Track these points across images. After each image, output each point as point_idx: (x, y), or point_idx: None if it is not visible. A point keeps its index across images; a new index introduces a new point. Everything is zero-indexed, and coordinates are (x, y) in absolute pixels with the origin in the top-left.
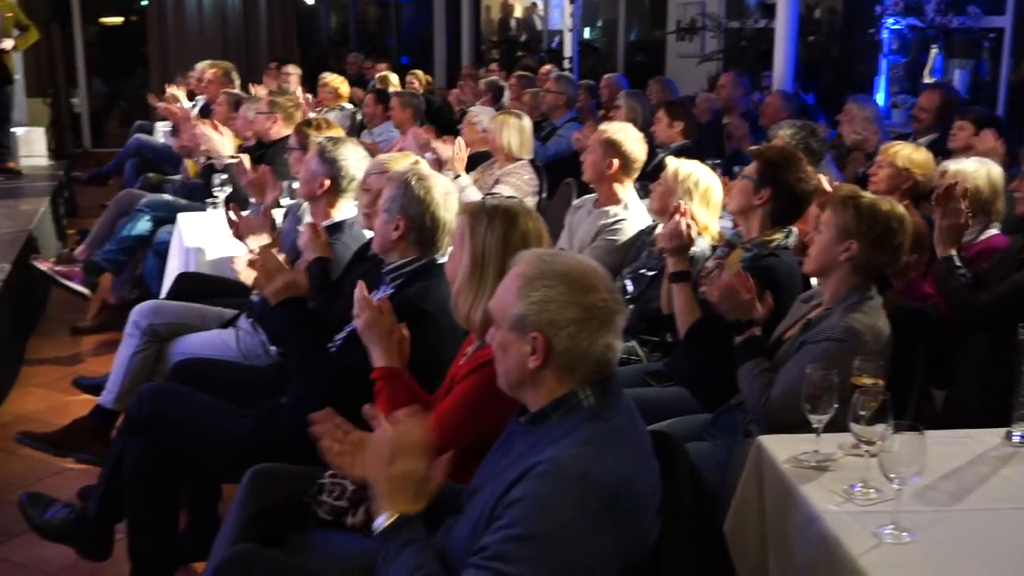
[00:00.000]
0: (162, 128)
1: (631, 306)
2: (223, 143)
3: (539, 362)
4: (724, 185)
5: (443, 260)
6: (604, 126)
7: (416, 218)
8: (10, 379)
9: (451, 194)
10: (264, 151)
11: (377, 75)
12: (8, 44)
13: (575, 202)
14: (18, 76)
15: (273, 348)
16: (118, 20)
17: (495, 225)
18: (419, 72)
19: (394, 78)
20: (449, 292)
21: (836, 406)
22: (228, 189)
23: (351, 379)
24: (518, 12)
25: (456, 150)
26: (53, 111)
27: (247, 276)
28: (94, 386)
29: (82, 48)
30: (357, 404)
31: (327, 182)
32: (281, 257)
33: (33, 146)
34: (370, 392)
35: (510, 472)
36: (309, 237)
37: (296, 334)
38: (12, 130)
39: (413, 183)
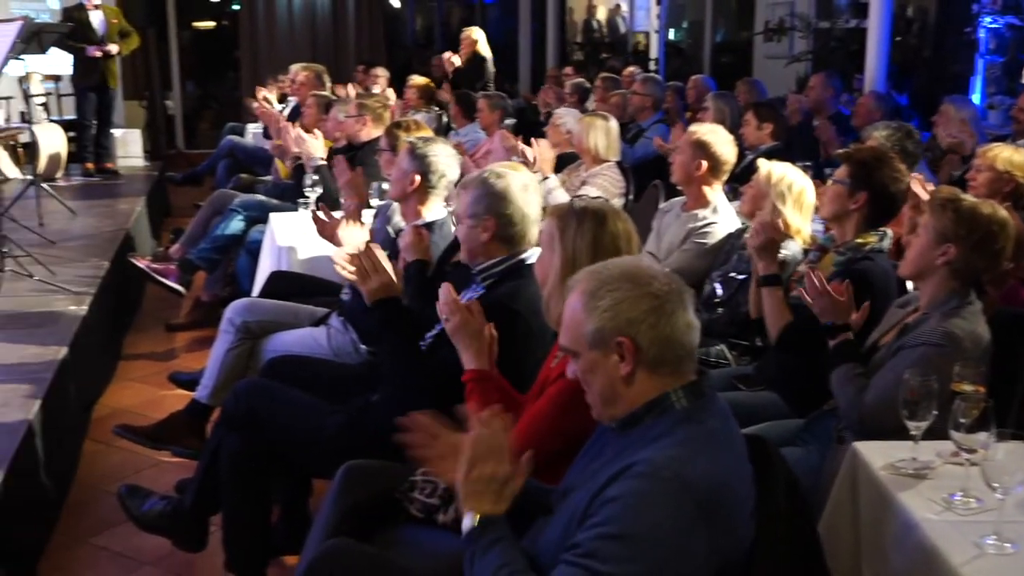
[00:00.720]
0: (253, 130)
1: (720, 310)
2: (315, 146)
3: (631, 366)
4: (816, 189)
5: (532, 259)
6: (694, 127)
7: (503, 214)
8: (108, 374)
9: (529, 185)
10: (354, 153)
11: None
12: (114, 49)
13: (663, 205)
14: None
15: (363, 347)
16: (210, 24)
17: (585, 227)
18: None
19: None
20: (539, 292)
21: (935, 413)
22: (319, 190)
23: (442, 378)
24: (601, 14)
25: (542, 152)
26: (148, 114)
27: (347, 272)
28: (189, 381)
29: (176, 52)
30: (448, 401)
31: (417, 179)
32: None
33: (130, 147)
34: (461, 389)
35: (603, 473)
36: (412, 239)
37: (388, 333)
38: (111, 132)
39: (491, 180)
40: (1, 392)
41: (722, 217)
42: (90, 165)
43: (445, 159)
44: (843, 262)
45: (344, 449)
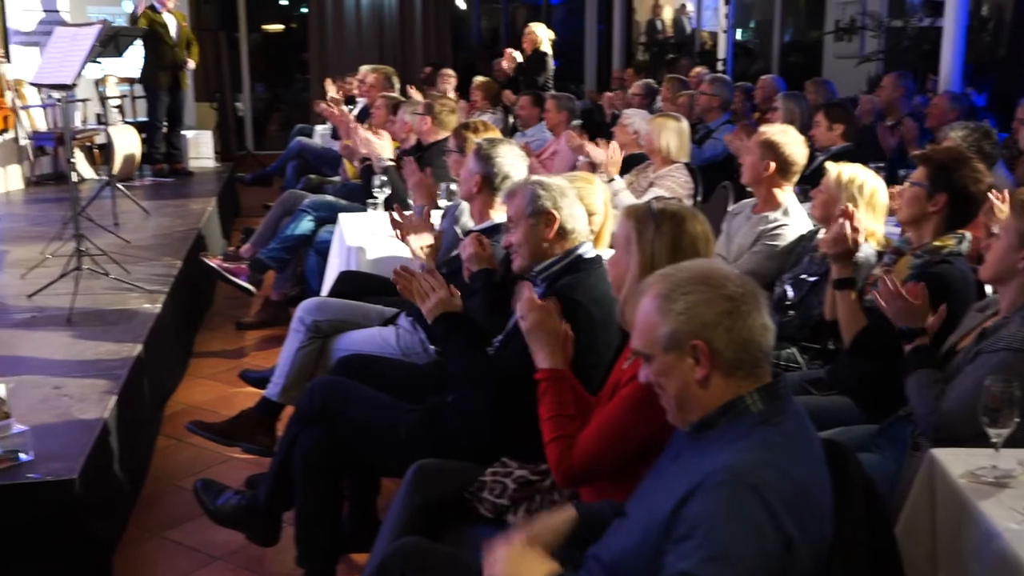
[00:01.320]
0: (321, 131)
1: (791, 312)
2: (383, 147)
3: (706, 369)
4: (892, 191)
5: (589, 254)
6: (764, 128)
7: (564, 209)
8: (181, 370)
9: (569, 187)
10: (422, 153)
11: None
12: (192, 64)
13: (732, 207)
14: (191, 82)
15: (432, 346)
16: (279, 27)
17: (663, 230)
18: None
19: None
20: (600, 283)
21: (1017, 420)
22: (388, 190)
23: (512, 378)
24: (667, 14)
25: (610, 153)
26: (219, 115)
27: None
28: (259, 379)
29: (247, 55)
30: (519, 401)
31: (480, 180)
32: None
33: (201, 148)
34: (530, 389)
35: (680, 480)
36: (475, 249)
37: (452, 344)
38: (183, 133)
39: (543, 180)
40: (79, 388)
41: (793, 219)
42: (162, 166)
43: (511, 160)
44: (920, 265)
45: (415, 448)
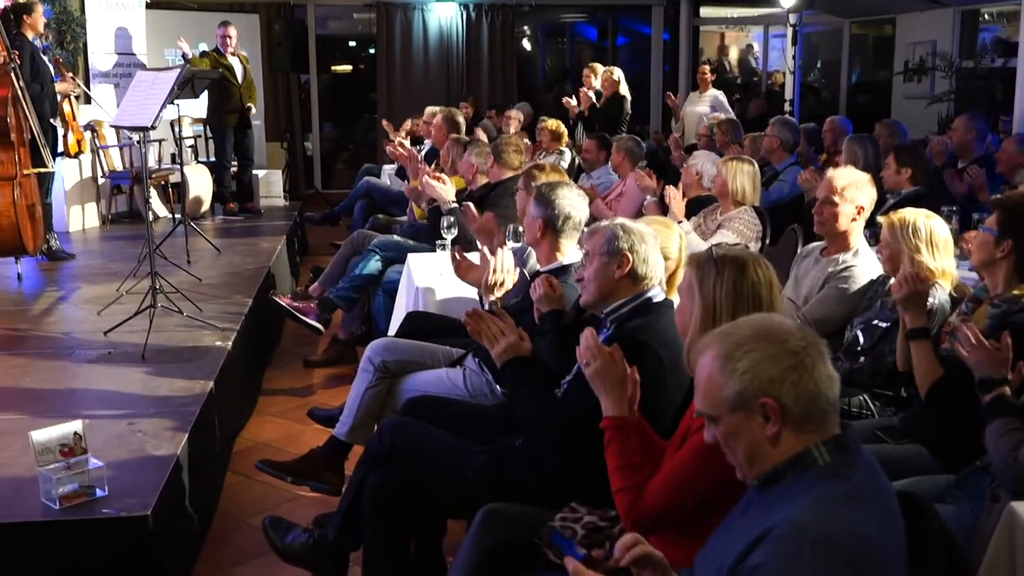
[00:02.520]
0: (389, 171)
1: (863, 358)
2: (446, 191)
3: (777, 426)
4: (965, 236)
5: (659, 297)
6: (834, 171)
7: (639, 252)
8: (250, 408)
9: (657, 237)
10: (487, 194)
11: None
12: (253, 109)
13: (801, 250)
14: (258, 122)
15: (499, 388)
16: (347, 68)
17: (724, 276)
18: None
19: None
20: (669, 327)
21: None
22: (455, 232)
23: (579, 421)
24: (734, 54)
25: (674, 197)
26: (289, 155)
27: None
28: (327, 418)
29: (316, 95)
30: (587, 446)
31: (542, 223)
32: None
33: (271, 187)
34: (597, 434)
35: (745, 533)
36: (544, 290)
37: (520, 388)
38: (253, 172)
39: (626, 223)
40: (152, 424)
41: (863, 261)
42: (232, 204)
43: (570, 201)
44: (998, 315)
45: (484, 490)
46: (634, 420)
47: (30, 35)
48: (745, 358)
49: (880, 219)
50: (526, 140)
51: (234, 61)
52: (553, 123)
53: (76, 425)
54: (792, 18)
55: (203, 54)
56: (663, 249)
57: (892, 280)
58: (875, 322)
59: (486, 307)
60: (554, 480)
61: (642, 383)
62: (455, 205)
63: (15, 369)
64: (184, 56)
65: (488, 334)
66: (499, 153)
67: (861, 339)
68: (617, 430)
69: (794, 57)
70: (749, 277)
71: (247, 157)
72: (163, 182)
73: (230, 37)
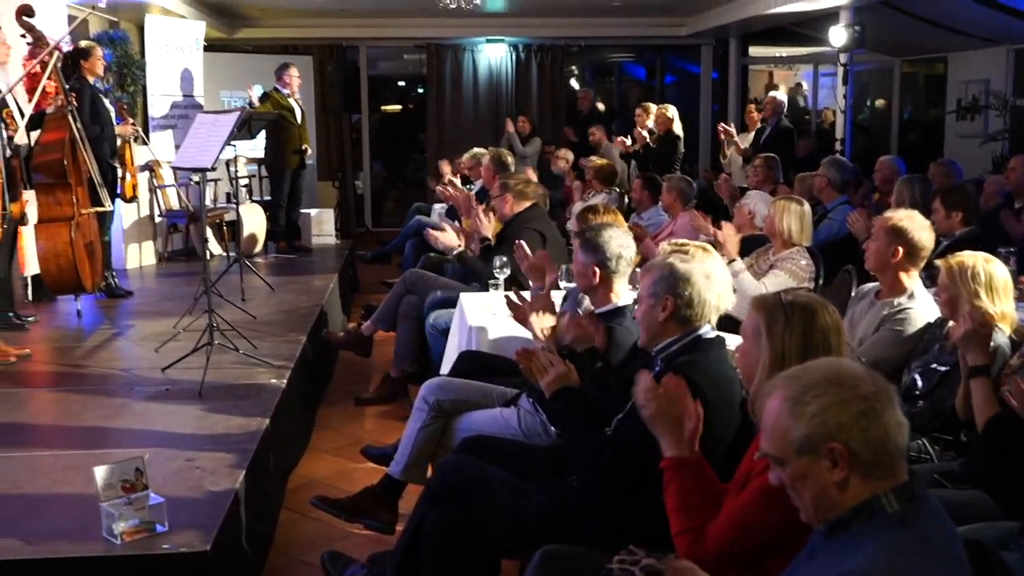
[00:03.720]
0: (439, 209)
1: (920, 403)
2: (448, 238)
3: (844, 471)
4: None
5: (709, 335)
6: (889, 213)
7: (683, 295)
8: (304, 444)
9: (713, 275)
10: (511, 223)
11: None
12: (310, 151)
13: (856, 292)
14: (311, 161)
15: (553, 428)
16: (397, 108)
17: (794, 324)
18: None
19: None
20: (718, 364)
21: None
22: (508, 271)
23: (631, 461)
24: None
25: (727, 234)
26: (340, 193)
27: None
28: (380, 455)
29: (367, 135)
30: (642, 486)
31: (597, 270)
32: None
33: (323, 226)
34: (652, 473)
35: None
36: (576, 333)
37: (568, 422)
38: (305, 211)
39: (677, 262)
40: (210, 460)
41: (919, 303)
42: (283, 243)
43: (618, 241)
44: None
45: (542, 531)
46: (694, 460)
47: (90, 78)
48: (814, 402)
49: (939, 263)
50: (576, 181)
51: (293, 102)
52: (602, 162)
53: (137, 461)
54: (843, 57)
55: (264, 96)
56: None
57: (950, 323)
58: (933, 366)
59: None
60: (612, 522)
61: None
62: (461, 250)
63: (76, 405)
64: (249, 102)
65: (537, 366)
66: (516, 191)
67: (919, 383)
68: (676, 471)
69: (845, 96)
70: (819, 324)
71: (299, 197)
72: (218, 221)
73: (293, 79)
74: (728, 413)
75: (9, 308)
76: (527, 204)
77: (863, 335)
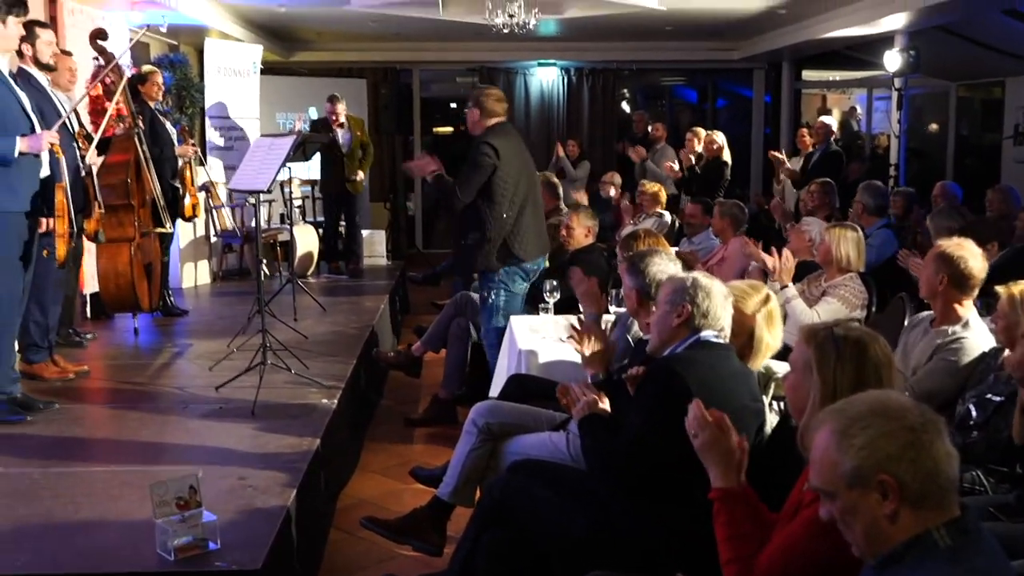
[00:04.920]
0: None
1: (975, 433)
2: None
3: (895, 503)
4: None
5: (711, 338)
6: (941, 240)
7: (699, 305)
8: (353, 465)
9: (730, 299)
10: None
11: None
12: (361, 176)
13: (909, 320)
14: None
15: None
16: (448, 130)
17: (846, 358)
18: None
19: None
20: (714, 367)
21: None
22: (557, 295)
23: (640, 461)
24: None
25: (783, 261)
26: (391, 215)
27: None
28: (428, 477)
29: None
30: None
31: (637, 293)
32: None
33: (375, 247)
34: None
35: None
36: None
37: (590, 442)
38: (357, 232)
39: (698, 276)
40: (262, 479)
41: (973, 333)
42: (337, 264)
43: (660, 267)
44: None
45: (591, 553)
46: (741, 490)
47: (151, 103)
48: (862, 434)
49: (999, 290)
50: (626, 202)
51: (339, 133)
52: (653, 187)
53: (191, 478)
54: (897, 82)
55: (313, 123)
56: (739, 306)
57: (1006, 352)
58: (988, 396)
59: (588, 379)
60: (658, 547)
61: (656, 406)
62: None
63: (132, 422)
64: (299, 132)
65: (571, 399)
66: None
67: (974, 413)
68: (724, 501)
69: (899, 121)
70: (871, 358)
71: (352, 218)
72: (272, 241)
73: (334, 110)
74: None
75: (69, 325)
76: (495, 121)
77: (916, 364)
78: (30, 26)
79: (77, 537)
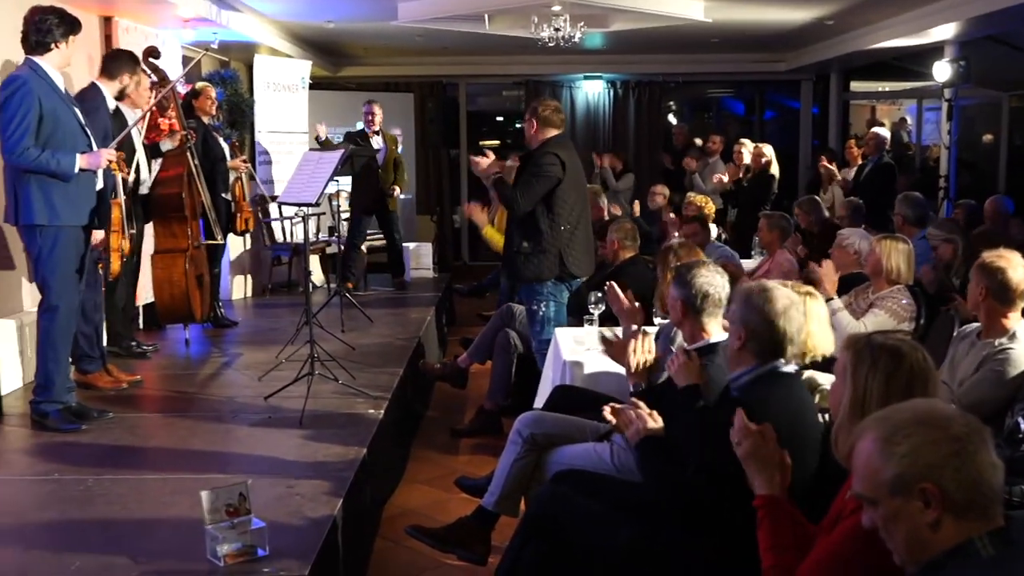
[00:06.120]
0: None
1: None
2: None
3: (937, 512)
4: None
5: (786, 368)
6: (986, 252)
7: (756, 327)
8: (399, 474)
9: (792, 306)
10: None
11: None
12: (397, 191)
13: (958, 332)
14: (410, 196)
15: None
16: (495, 143)
17: (879, 366)
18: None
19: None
20: (791, 400)
21: None
22: (603, 307)
23: (715, 498)
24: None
25: (826, 271)
26: (438, 227)
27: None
28: (473, 487)
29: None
30: (731, 527)
31: (683, 304)
32: None
33: (421, 260)
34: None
35: None
36: (681, 363)
37: (650, 468)
38: (405, 245)
39: (755, 295)
40: (309, 487)
41: (1021, 344)
42: (349, 284)
43: (707, 279)
44: None
45: (634, 566)
46: (785, 500)
47: (205, 118)
48: (905, 442)
49: None
50: (671, 214)
51: (375, 140)
52: (699, 198)
53: (241, 486)
54: (947, 92)
55: (348, 134)
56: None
57: None
58: None
59: (631, 388)
60: (702, 562)
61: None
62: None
63: (183, 431)
64: (318, 138)
65: (623, 420)
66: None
67: (1022, 425)
68: (768, 509)
69: (949, 132)
70: (904, 369)
71: (390, 234)
72: (320, 253)
73: (370, 113)
74: (803, 449)
75: (131, 337)
76: (555, 133)
77: (963, 376)
78: (135, 64)
79: (130, 542)
